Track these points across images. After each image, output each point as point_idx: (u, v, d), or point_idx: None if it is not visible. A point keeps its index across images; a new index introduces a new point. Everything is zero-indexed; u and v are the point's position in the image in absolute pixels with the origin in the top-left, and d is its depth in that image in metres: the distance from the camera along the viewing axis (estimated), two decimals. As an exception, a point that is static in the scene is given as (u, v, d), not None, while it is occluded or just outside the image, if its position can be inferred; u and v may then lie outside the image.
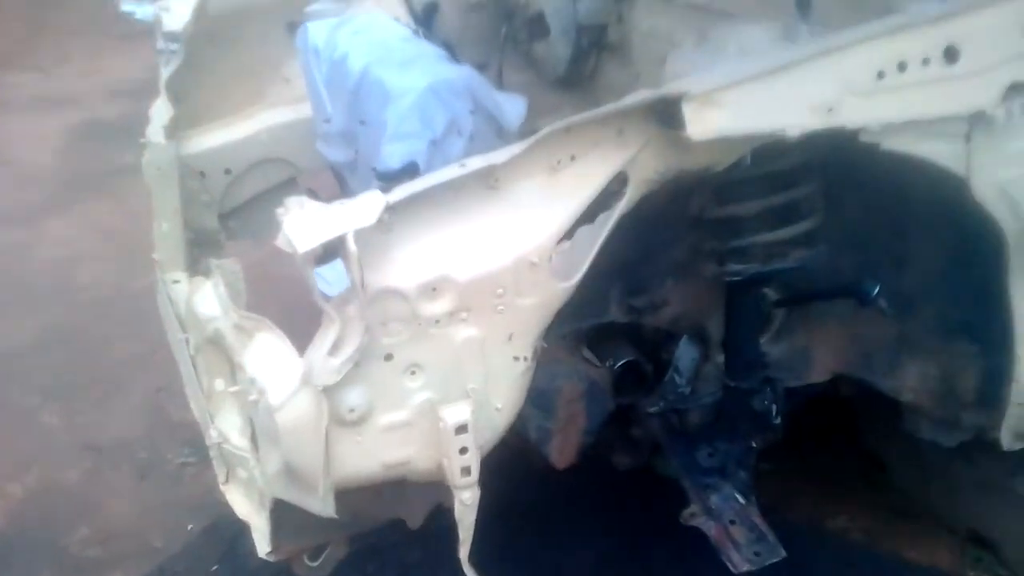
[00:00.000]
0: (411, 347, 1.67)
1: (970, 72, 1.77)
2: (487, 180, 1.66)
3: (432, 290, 1.64)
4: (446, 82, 2.34)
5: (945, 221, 2.03)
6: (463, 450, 1.73)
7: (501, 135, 2.34)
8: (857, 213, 2.17)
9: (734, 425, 2.25)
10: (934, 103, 1.76)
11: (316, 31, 2.79)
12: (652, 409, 2.32)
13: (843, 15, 2.02)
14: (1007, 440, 2.25)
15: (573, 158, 1.70)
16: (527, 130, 2.39)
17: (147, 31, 3.32)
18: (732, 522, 2.18)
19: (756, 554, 2.15)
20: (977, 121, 1.80)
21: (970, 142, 1.82)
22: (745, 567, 2.13)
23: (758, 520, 2.23)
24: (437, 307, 1.65)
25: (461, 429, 1.71)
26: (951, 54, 1.76)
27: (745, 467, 2.30)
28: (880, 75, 1.72)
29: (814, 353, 2.38)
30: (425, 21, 3.03)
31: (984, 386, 2.21)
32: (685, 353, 2.30)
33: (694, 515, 2.20)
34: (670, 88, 1.66)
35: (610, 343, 2.30)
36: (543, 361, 1.94)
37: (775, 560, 2.14)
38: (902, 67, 1.73)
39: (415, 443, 1.73)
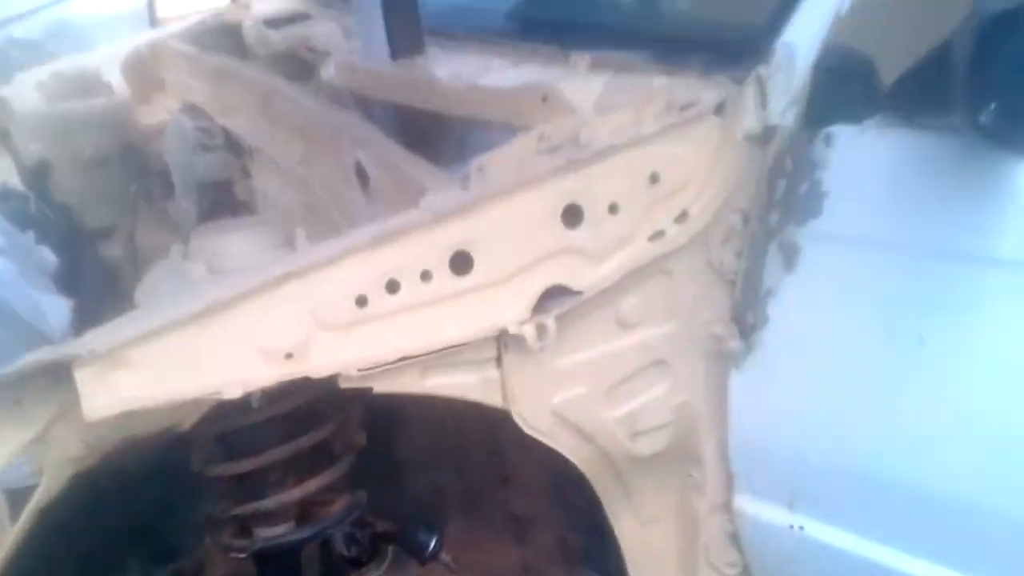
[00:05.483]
0: None
1: (488, 282, 1.40)
2: None
3: None
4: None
5: (533, 442, 1.65)
6: None
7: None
8: (448, 434, 1.79)
9: None
10: (441, 329, 1.37)
11: None
12: None
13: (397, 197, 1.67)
14: None
15: None
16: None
17: None
18: None
19: None
20: (506, 341, 1.43)
21: (503, 367, 1.44)
22: None
23: None
24: None
25: None
26: (461, 262, 1.39)
27: None
28: (361, 301, 1.34)
29: None
30: (36, 184, 2.58)
31: None
32: None
33: None
34: (63, 347, 1.26)
35: None
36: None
37: None
38: (392, 287, 1.35)
39: None
